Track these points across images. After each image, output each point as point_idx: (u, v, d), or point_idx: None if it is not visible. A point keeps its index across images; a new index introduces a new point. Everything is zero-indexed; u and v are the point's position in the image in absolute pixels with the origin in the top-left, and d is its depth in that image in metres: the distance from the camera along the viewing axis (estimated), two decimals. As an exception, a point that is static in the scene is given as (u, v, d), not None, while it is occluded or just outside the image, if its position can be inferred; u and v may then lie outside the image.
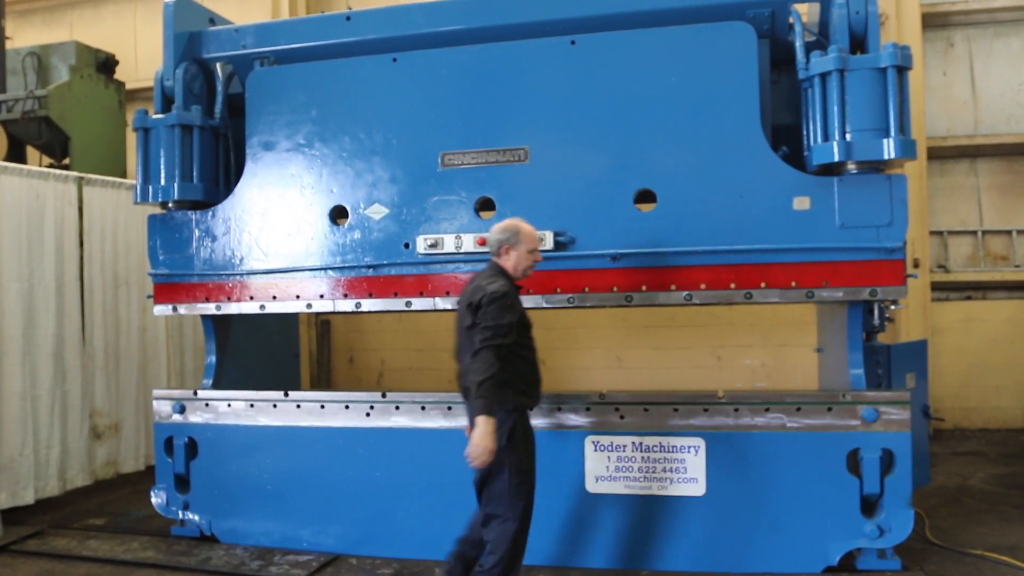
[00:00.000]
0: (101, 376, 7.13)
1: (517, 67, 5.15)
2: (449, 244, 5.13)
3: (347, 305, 5.39)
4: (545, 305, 5.10)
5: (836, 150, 4.59)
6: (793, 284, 4.77)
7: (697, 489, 4.88)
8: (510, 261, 4.25)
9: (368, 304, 5.35)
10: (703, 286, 4.86)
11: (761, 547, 4.82)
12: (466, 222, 5.16)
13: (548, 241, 4.96)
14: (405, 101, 5.31)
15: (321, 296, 5.43)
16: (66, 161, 8.98)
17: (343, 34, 5.55)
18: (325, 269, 5.42)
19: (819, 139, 4.70)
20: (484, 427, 3.84)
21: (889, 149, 4.52)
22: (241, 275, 5.59)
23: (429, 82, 5.28)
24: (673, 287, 4.88)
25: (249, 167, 5.61)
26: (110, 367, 7.22)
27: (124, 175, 9.18)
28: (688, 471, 4.89)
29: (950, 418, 8.74)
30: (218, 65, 5.85)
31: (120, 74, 9.87)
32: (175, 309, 5.75)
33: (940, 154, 9.00)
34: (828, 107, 4.65)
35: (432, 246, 5.16)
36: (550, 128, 5.08)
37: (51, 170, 7.07)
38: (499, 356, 3.94)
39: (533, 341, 4.38)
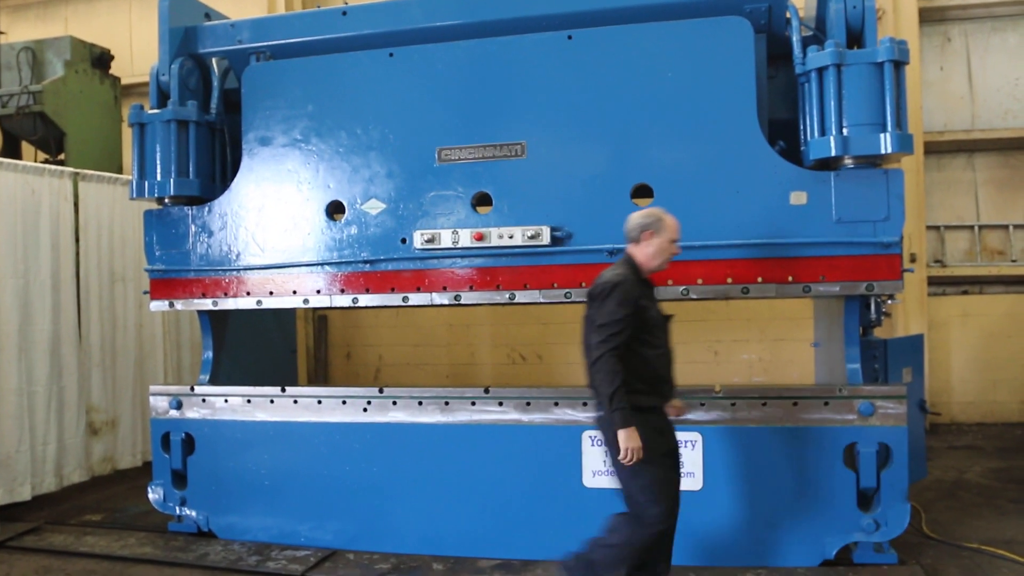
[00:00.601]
0: (98, 372, 7.13)
1: (514, 62, 5.14)
2: (446, 239, 5.12)
3: (344, 300, 5.39)
4: (542, 300, 5.09)
5: (833, 145, 4.59)
6: (790, 279, 4.77)
7: (694, 483, 4.88)
8: (649, 249, 4.04)
9: (365, 299, 5.35)
10: (700, 281, 4.86)
11: (758, 541, 4.83)
12: (463, 217, 5.15)
13: (545, 236, 4.96)
14: (402, 96, 5.30)
15: (318, 291, 5.43)
16: (61, 157, 8.94)
17: (339, 29, 5.53)
18: (322, 264, 5.41)
19: (816, 134, 4.70)
20: (624, 436, 3.78)
21: (886, 144, 4.52)
22: (238, 271, 5.57)
23: (426, 77, 5.27)
24: (670, 282, 4.87)
25: (245, 162, 5.60)
26: (107, 363, 7.22)
27: (120, 171, 9.15)
28: (685, 465, 4.84)
29: (946, 412, 8.76)
30: (214, 60, 5.83)
31: (115, 69, 9.83)
32: (172, 305, 5.74)
33: (937, 149, 9.00)
34: (825, 102, 4.65)
35: (429, 241, 5.15)
36: (547, 123, 5.07)
37: (46, 166, 7.07)
38: (620, 358, 3.80)
39: (662, 337, 4.07)
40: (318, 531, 5.45)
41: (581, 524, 5.00)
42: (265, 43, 5.70)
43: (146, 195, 5.67)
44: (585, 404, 5.02)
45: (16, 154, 8.99)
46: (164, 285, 5.74)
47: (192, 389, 5.74)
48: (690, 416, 4.88)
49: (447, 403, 5.23)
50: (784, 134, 5.06)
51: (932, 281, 8.88)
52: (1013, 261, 8.96)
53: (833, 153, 4.60)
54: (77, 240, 7.00)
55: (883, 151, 4.53)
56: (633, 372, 3.89)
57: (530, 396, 5.13)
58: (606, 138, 5.00)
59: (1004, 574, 4.69)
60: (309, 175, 5.45)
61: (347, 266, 5.36)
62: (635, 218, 4.12)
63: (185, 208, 5.69)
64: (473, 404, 5.20)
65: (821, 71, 4.65)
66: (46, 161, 8.87)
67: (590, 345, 3.89)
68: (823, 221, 4.70)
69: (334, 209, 5.44)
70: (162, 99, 5.74)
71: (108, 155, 9.34)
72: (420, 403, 5.28)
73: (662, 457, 4.01)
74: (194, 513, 5.70)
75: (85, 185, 7.10)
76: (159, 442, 5.77)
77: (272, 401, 5.54)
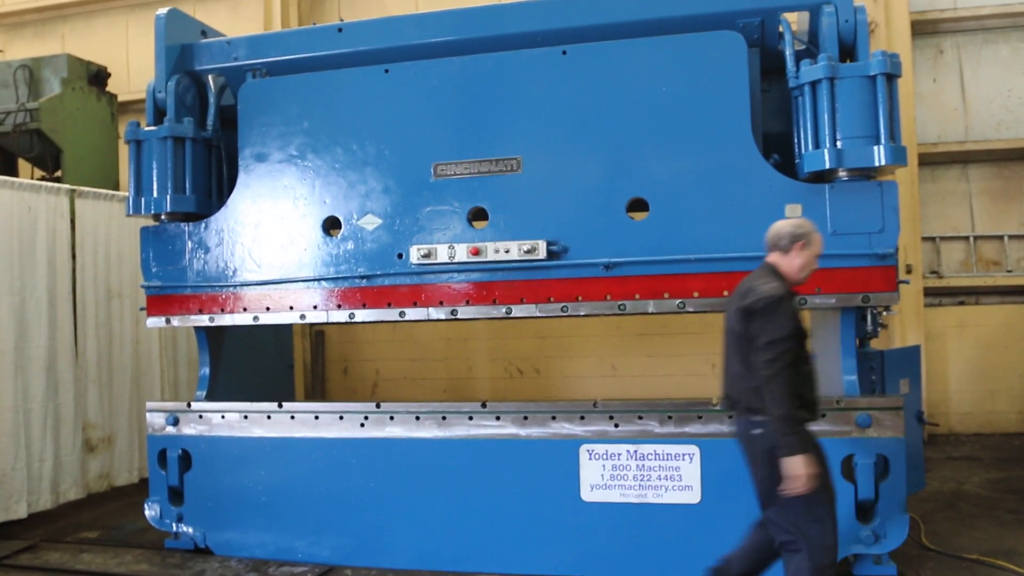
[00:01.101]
0: (94, 389, 7.11)
1: (509, 77, 5.17)
2: (442, 254, 5.13)
3: (341, 316, 5.39)
4: (538, 314, 5.10)
5: (827, 157, 4.61)
6: (786, 291, 4.78)
7: (692, 497, 4.87)
8: (797, 260, 3.86)
9: (362, 315, 5.35)
10: (696, 294, 4.86)
11: (757, 554, 4.81)
12: (459, 232, 5.16)
13: (541, 251, 4.96)
14: (397, 112, 5.32)
15: (315, 307, 5.43)
16: (58, 174, 8.94)
17: (335, 46, 5.56)
18: (319, 280, 5.41)
19: (810, 147, 4.72)
20: (801, 463, 3.59)
21: (879, 156, 4.55)
22: (234, 287, 5.58)
23: (421, 93, 5.29)
24: (666, 295, 4.89)
25: (242, 179, 5.61)
26: (103, 380, 7.20)
27: (116, 187, 9.15)
28: (683, 479, 4.89)
29: (944, 423, 8.76)
30: (210, 77, 5.85)
31: (112, 86, 9.85)
32: (168, 321, 5.74)
33: (931, 160, 9.04)
34: (818, 115, 4.67)
35: (425, 256, 5.16)
36: (542, 138, 5.09)
37: (43, 183, 7.06)
38: (790, 381, 3.61)
39: (808, 351, 3.92)
40: (315, 547, 5.43)
41: (579, 538, 5.02)
42: (261, 60, 5.73)
43: (142, 211, 5.68)
44: (583, 418, 5.02)
45: (13, 171, 8.98)
46: (161, 301, 5.74)
47: (189, 405, 5.72)
48: (688, 429, 4.90)
49: (444, 418, 5.23)
50: (778, 147, 5.08)
51: (928, 292, 8.90)
52: (1009, 271, 8.98)
53: (827, 166, 4.62)
54: (73, 257, 7.00)
55: (877, 163, 4.56)
56: (794, 390, 3.70)
57: (528, 410, 5.13)
58: (601, 153, 5.02)
59: (1003, 585, 4.69)
60: (305, 191, 5.46)
61: (344, 281, 5.36)
62: (785, 227, 3.92)
63: (181, 224, 5.70)
64: (470, 419, 5.19)
65: (814, 84, 4.68)
66: (43, 178, 8.87)
67: (756, 364, 3.69)
68: (818, 233, 4.72)
69: (330, 225, 5.45)
70: (158, 116, 5.77)
71: (105, 172, 9.34)
72: (417, 418, 5.27)
73: (829, 480, 3.87)
74: (191, 530, 5.67)
75: (82, 202, 7.11)
76: (156, 459, 5.75)
77: (269, 417, 5.53)
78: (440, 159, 5.20)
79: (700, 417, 4.89)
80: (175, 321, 5.73)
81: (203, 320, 5.66)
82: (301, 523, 5.46)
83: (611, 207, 4.97)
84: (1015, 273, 8.96)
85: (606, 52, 5.03)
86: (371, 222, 5.32)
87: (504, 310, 5.12)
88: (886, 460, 4.70)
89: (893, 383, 5.29)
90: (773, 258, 3.95)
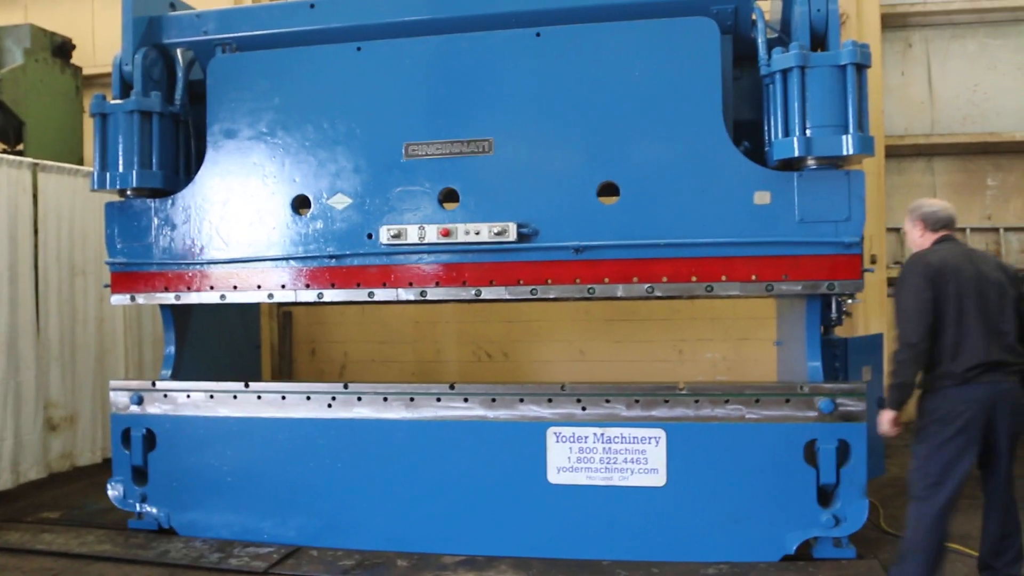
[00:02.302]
0: (56, 367, 6.99)
1: (482, 58, 5.15)
2: (412, 235, 5.11)
3: (309, 295, 5.35)
4: (507, 297, 5.10)
5: (796, 145, 4.66)
6: (753, 277, 4.83)
7: (658, 480, 4.92)
8: None
9: (330, 294, 5.31)
10: (665, 279, 4.90)
11: (720, 537, 4.89)
12: (429, 213, 5.14)
13: (511, 233, 4.96)
14: (369, 90, 5.28)
15: (283, 286, 5.38)
16: (20, 147, 8.76)
17: (307, 22, 5.49)
18: (287, 259, 5.36)
19: (780, 134, 4.76)
20: None
21: (848, 145, 4.60)
22: (201, 264, 5.51)
23: (394, 72, 5.25)
24: (635, 279, 4.91)
25: (210, 155, 5.53)
26: (66, 358, 7.08)
27: (80, 162, 8.97)
28: (649, 462, 4.94)
29: (905, 410, 8.89)
30: (179, 51, 5.75)
31: (77, 59, 9.63)
32: (133, 299, 5.66)
33: (898, 152, 9.16)
34: (789, 103, 4.72)
35: (395, 237, 5.13)
36: (514, 120, 5.08)
37: (4, 156, 6.89)
38: None
39: None
40: (281, 528, 5.41)
41: (545, 520, 5.06)
42: (231, 34, 5.63)
43: (108, 187, 5.59)
44: (550, 400, 5.04)
45: (-27, 144, 8.79)
46: (126, 278, 5.66)
47: (153, 384, 5.66)
48: (654, 412, 4.95)
49: (412, 399, 5.22)
50: (749, 135, 5.12)
51: (892, 282, 9.00)
52: (970, 263, 9.13)
53: (796, 154, 4.67)
54: (36, 232, 6.86)
55: (845, 152, 4.62)
56: None
57: (495, 392, 5.14)
58: (573, 136, 5.03)
59: (959, 568, 4.80)
60: (275, 169, 5.41)
61: (312, 261, 5.32)
62: (949, 209, 4.34)
63: (148, 200, 5.61)
64: (438, 400, 5.19)
65: (785, 73, 4.72)
66: (4, 151, 8.69)
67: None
68: (786, 221, 4.77)
69: (300, 203, 5.40)
70: (125, 89, 5.66)
71: (68, 146, 9.16)
72: (385, 399, 5.26)
73: None
74: (155, 510, 5.62)
75: (45, 176, 6.97)
76: (119, 438, 5.68)
77: (235, 396, 5.49)
78: (411, 139, 5.17)
79: (667, 401, 4.93)
80: (140, 299, 5.65)
81: (169, 298, 5.59)
82: (267, 504, 5.43)
83: (582, 191, 4.98)
84: (976, 265, 9.11)
85: (580, 35, 5.02)
86: (341, 201, 5.28)
87: (473, 292, 5.12)
88: (847, 445, 4.79)
89: (856, 370, 5.39)
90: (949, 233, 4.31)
